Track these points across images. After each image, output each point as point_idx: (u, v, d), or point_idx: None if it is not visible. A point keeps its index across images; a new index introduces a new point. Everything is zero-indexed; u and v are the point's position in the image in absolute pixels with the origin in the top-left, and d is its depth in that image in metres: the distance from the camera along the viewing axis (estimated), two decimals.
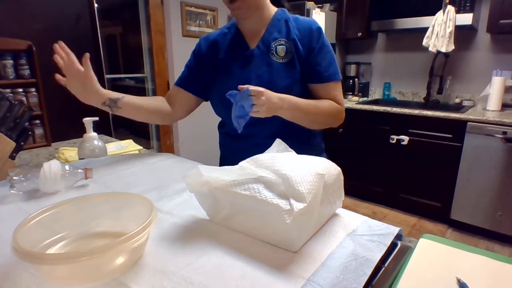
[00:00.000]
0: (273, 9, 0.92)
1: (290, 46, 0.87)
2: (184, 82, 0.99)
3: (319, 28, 0.88)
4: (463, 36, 2.44)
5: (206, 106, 1.06)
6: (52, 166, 0.70)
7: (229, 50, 0.93)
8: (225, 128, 1.01)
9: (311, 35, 0.87)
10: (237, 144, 0.97)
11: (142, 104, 0.93)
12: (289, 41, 0.87)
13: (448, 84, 2.63)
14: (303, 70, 0.88)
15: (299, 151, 0.64)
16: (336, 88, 0.91)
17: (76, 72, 0.83)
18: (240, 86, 0.73)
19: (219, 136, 1.06)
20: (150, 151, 1.10)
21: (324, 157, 0.99)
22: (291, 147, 0.65)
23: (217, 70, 0.94)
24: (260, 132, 0.90)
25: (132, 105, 0.91)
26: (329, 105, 0.89)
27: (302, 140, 0.93)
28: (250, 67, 0.90)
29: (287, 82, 0.86)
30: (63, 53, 0.83)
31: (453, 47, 2.26)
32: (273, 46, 0.88)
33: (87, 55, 0.82)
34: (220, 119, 1.03)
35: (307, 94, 0.91)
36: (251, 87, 0.72)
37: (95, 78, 0.85)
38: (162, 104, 0.98)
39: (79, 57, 0.83)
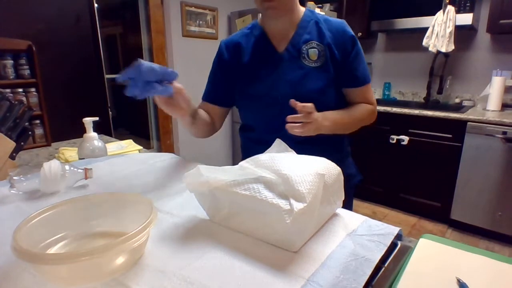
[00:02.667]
0: (302, 10, 0.88)
1: (323, 49, 0.84)
2: (211, 96, 0.96)
3: (348, 28, 0.86)
4: (463, 36, 2.44)
5: None
6: (52, 166, 0.70)
7: (254, 53, 0.89)
8: (248, 132, 0.98)
9: (345, 38, 0.85)
10: (261, 149, 0.89)
11: (206, 120, 0.93)
12: (322, 45, 0.84)
13: (448, 84, 2.63)
14: (339, 74, 0.85)
15: (326, 155, 0.62)
16: (369, 90, 0.92)
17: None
18: (293, 102, 0.71)
19: (242, 140, 1.03)
20: (150, 151, 1.10)
21: (349, 161, 1.01)
22: (318, 152, 0.64)
23: (242, 74, 0.90)
24: (287, 138, 0.79)
25: (203, 121, 0.91)
26: (363, 109, 0.90)
27: (330, 144, 0.91)
28: (279, 71, 0.86)
29: (320, 86, 0.84)
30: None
31: (453, 47, 2.26)
32: (304, 49, 0.84)
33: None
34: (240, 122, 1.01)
35: (339, 97, 0.90)
36: (300, 105, 0.71)
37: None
38: (208, 118, 0.95)
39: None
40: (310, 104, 0.74)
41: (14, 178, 0.69)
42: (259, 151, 0.81)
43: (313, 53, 0.84)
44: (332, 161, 0.66)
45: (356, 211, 0.66)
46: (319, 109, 0.78)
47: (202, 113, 0.91)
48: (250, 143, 0.99)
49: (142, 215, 0.48)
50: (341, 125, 0.86)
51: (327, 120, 0.80)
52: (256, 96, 0.89)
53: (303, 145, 0.71)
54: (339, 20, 0.88)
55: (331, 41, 0.84)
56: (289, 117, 0.73)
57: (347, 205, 0.81)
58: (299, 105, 0.72)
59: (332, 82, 0.85)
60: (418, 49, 2.57)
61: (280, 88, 0.85)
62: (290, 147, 0.66)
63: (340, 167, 0.63)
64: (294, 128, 0.73)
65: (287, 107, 0.75)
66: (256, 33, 0.90)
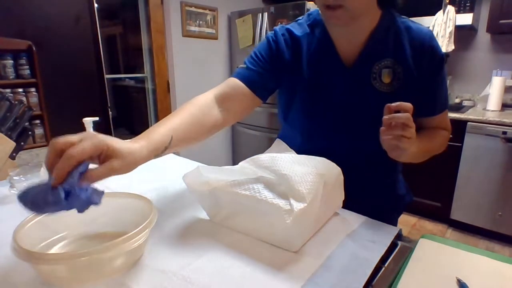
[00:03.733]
0: (379, 13, 0.68)
1: (400, 71, 0.67)
2: (252, 80, 0.72)
3: (438, 46, 0.68)
4: (463, 36, 2.44)
5: None
6: None
7: (315, 59, 0.71)
8: (298, 148, 0.73)
9: (432, 56, 0.67)
10: None
11: (190, 136, 0.62)
12: (400, 66, 0.67)
13: (448, 84, 2.63)
14: (415, 101, 0.59)
15: (381, 178, 0.59)
16: (446, 114, 0.78)
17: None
18: (392, 106, 0.54)
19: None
20: None
21: (400, 179, 0.85)
22: (371, 175, 0.60)
23: (299, 79, 0.73)
24: (340, 163, 0.64)
25: (180, 143, 0.60)
26: (441, 136, 0.77)
27: (384, 165, 0.76)
28: (346, 88, 0.70)
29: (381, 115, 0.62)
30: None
31: (453, 47, 2.26)
32: (377, 68, 0.68)
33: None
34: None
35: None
36: (403, 108, 0.54)
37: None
38: (210, 120, 0.67)
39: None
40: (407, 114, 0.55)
41: (14, 178, 0.69)
42: None
43: (387, 74, 0.67)
44: (385, 183, 0.61)
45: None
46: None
47: (184, 133, 0.61)
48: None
49: (142, 215, 0.48)
50: (422, 152, 0.67)
51: (414, 146, 0.60)
52: (316, 111, 0.74)
53: (357, 169, 0.63)
54: (425, 30, 0.68)
55: (411, 60, 0.67)
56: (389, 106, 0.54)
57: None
58: (402, 111, 0.54)
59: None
60: None
61: (346, 109, 0.70)
62: (344, 172, 0.58)
63: (392, 188, 0.57)
64: (388, 136, 0.56)
65: (352, 132, 0.68)
66: (318, 35, 0.71)
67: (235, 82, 0.72)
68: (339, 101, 0.71)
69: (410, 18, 0.75)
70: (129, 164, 0.49)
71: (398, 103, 0.54)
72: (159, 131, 0.57)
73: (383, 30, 0.68)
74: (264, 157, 0.56)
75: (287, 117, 0.81)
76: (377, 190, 0.75)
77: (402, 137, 0.55)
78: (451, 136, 0.81)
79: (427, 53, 0.66)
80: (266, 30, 2.71)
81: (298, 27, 0.74)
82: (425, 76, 0.67)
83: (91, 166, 0.45)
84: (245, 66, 0.75)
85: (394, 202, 0.84)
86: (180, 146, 0.60)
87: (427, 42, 0.67)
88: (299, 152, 0.68)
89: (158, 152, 0.56)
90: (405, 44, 0.67)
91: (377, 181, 0.63)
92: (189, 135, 0.62)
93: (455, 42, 2.26)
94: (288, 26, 0.75)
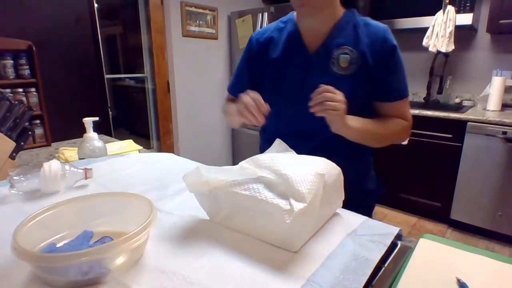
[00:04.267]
0: (342, 10, 0.80)
1: (356, 57, 0.76)
2: (236, 89, 0.89)
3: (392, 39, 0.77)
4: (463, 36, 2.44)
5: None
6: (52, 166, 0.70)
7: (285, 51, 0.83)
8: (267, 135, 0.92)
9: (384, 47, 0.76)
10: None
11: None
12: (356, 52, 0.76)
13: (448, 84, 2.63)
14: (370, 86, 0.77)
15: (348, 167, 0.60)
16: (405, 105, 0.82)
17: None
18: (323, 87, 0.67)
19: (261, 142, 0.98)
20: (150, 151, 1.10)
21: (371, 175, 0.94)
22: (338, 163, 0.60)
23: (269, 70, 0.86)
24: (307, 144, 0.78)
25: None
26: (396, 123, 0.81)
27: (351, 156, 0.81)
28: (306, 74, 0.81)
29: (346, 96, 0.72)
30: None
31: (453, 47, 2.26)
32: (336, 54, 0.77)
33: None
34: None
35: (368, 110, 0.82)
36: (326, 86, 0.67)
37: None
38: None
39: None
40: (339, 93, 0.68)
41: (14, 178, 0.69)
42: None
43: (344, 59, 0.77)
44: (354, 174, 0.64)
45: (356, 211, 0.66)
46: None
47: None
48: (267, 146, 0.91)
49: (142, 215, 0.48)
50: (369, 133, 0.77)
51: (355, 121, 0.73)
52: (282, 97, 0.84)
53: (323, 154, 0.66)
54: (381, 25, 0.79)
55: (366, 48, 0.76)
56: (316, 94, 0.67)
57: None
58: (326, 88, 0.67)
59: (360, 94, 0.78)
60: (418, 49, 2.57)
61: (305, 92, 0.76)
62: (313, 154, 0.63)
63: (361, 181, 0.61)
64: (316, 106, 0.68)
65: (310, 113, 0.71)
66: (290, 28, 0.84)
67: (229, 96, 0.95)
68: (301, 84, 0.81)
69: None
70: None
71: (325, 86, 0.67)
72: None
73: (344, 24, 0.79)
74: (264, 157, 0.56)
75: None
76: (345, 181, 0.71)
77: (328, 109, 0.67)
78: (412, 130, 0.86)
79: (379, 42, 0.76)
80: None
81: (272, 26, 0.88)
82: (379, 62, 0.76)
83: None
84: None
85: (363, 196, 0.88)
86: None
87: (381, 34, 0.77)
88: (273, 135, 0.78)
89: None
90: (362, 35, 0.77)
91: (346, 170, 0.63)
92: None
93: (455, 42, 2.26)
94: (263, 29, 0.90)
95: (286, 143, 0.67)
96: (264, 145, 0.94)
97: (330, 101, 0.67)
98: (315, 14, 0.77)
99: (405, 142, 0.86)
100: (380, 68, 0.76)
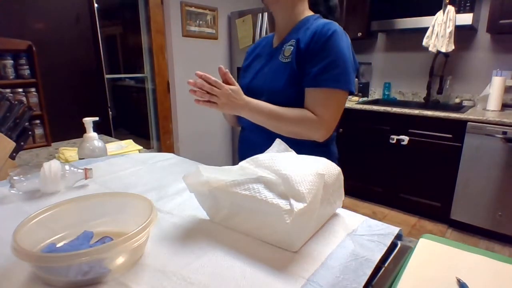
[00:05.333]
0: (307, 13, 0.90)
1: (295, 45, 0.84)
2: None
3: (328, 30, 0.79)
4: (463, 36, 2.44)
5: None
6: (52, 166, 0.70)
7: (260, 49, 0.99)
8: (240, 131, 1.06)
9: (315, 34, 0.80)
10: (244, 148, 1.01)
11: None
12: (296, 42, 0.84)
13: (448, 84, 2.63)
14: (300, 72, 0.83)
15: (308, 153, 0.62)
16: (323, 96, 0.80)
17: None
18: (198, 73, 0.75)
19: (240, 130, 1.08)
20: (150, 151, 1.10)
21: (331, 150, 0.96)
22: (299, 152, 0.63)
23: (248, 64, 1.01)
24: (265, 133, 0.85)
25: None
26: (299, 114, 0.81)
27: (313, 146, 0.85)
28: (263, 64, 0.93)
29: (281, 83, 0.84)
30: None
31: (453, 47, 2.26)
32: (285, 46, 0.87)
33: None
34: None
35: (301, 98, 0.85)
36: (212, 79, 0.75)
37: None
38: None
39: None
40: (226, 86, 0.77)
41: (14, 178, 0.69)
42: (243, 151, 0.88)
43: (288, 49, 0.85)
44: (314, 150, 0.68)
45: (356, 211, 0.66)
46: (280, 106, 0.83)
47: None
48: (242, 133, 1.04)
49: (142, 215, 0.48)
50: (265, 117, 0.82)
51: (249, 105, 0.81)
52: (242, 87, 0.86)
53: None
54: (330, 21, 0.83)
55: (302, 36, 0.83)
56: (190, 82, 0.75)
57: None
58: (211, 79, 0.75)
59: (292, 80, 0.83)
60: (418, 49, 2.57)
61: (256, 81, 0.92)
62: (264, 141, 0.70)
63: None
64: (195, 95, 0.77)
65: (262, 100, 0.83)
66: (272, 35, 0.99)
67: None
68: (257, 71, 0.93)
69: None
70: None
71: (206, 76, 0.75)
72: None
73: (302, 25, 0.87)
74: (264, 157, 0.56)
75: None
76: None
77: (206, 101, 0.78)
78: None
79: (313, 31, 0.81)
80: (266, 30, 2.71)
81: (265, 36, 1.03)
82: (308, 47, 0.81)
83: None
84: None
85: None
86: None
87: (319, 26, 0.81)
88: (248, 140, 0.98)
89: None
90: (305, 29, 0.84)
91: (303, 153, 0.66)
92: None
93: (455, 42, 2.26)
94: (249, 47, 1.06)
95: (251, 138, 0.80)
96: (241, 140, 1.05)
97: (210, 93, 0.76)
98: (272, 5, 0.88)
99: (320, 139, 0.84)
100: (308, 52, 0.81)
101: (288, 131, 0.84)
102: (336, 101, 0.81)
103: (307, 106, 0.83)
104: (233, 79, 0.79)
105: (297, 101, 0.84)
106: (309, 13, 0.90)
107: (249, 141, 0.98)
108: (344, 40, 0.81)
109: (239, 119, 0.99)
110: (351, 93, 0.83)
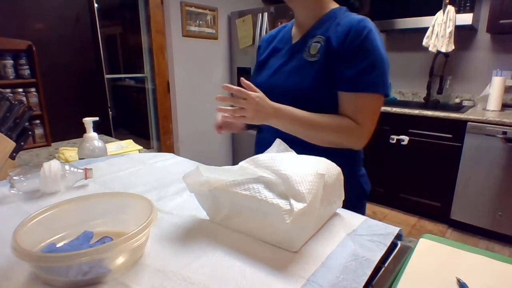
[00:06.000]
0: (332, 6, 0.81)
1: (323, 44, 0.76)
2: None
3: (364, 27, 0.72)
4: (463, 36, 2.44)
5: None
6: (52, 166, 0.70)
7: (277, 43, 0.90)
8: (258, 132, 0.99)
9: (350, 32, 0.72)
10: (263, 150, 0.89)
11: None
12: (325, 40, 0.76)
13: (448, 84, 2.63)
14: (332, 72, 0.75)
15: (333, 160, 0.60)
16: (363, 102, 0.74)
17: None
18: (226, 86, 0.69)
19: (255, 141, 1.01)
20: (150, 151, 1.10)
21: (360, 172, 0.91)
22: (323, 156, 0.60)
23: (261, 60, 0.93)
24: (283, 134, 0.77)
25: None
26: (338, 121, 0.75)
27: (333, 151, 0.78)
28: (283, 62, 0.84)
29: (307, 83, 0.76)
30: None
31: (453, 47, 2.26)
32: (310, 43, 0.79)
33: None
34: None
35: (333, 103, 0.78)
36: (236, 88, 0.68)
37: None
38: None
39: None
40: (253, 93, 0.70)
41: (14, 178, 0.69)
42: (263, 142, 0.78)
43: (314, 47, 0.77)
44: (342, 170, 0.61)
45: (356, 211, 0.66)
46: (309, 111, 0.75)
47: None
48: (259, 133, 0.98)
49: (142, 215, 0.48)
50: (300, 125, 0.75)
51: (280, 113, 0.73)
52: (258, 85, 0.82)
53: (302, 145, 0.70)
54: (360, 16, 0.75)
55: (335, 34, 0.74)
56: (218, 98, 0.70)
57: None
58: (234, 88, 0.68)
59: (321, 81, 0.75)
60: (418, 49, 2.57)
61: (276, 80, 0.83)
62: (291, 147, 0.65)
63: (346, 177, 0.59)
64: (223, 112, 0.71)
65: (284, 102, 0.74)
66: (289, 25, 0.90)
67: None
68: (276, 69, 0.85)
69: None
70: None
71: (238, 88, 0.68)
72: None
73: (328, 18, 0.79)
74: (264, 157, 0.57)
75: None
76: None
77: (235, 117, 0.70)
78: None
79: (347, 29, 0.73)
80: (266, 30, 2.71)
81: (281, 27, 0.94)
82: (342, 46, 0.73)
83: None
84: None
85: (349, 193, 0.85)
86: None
87: (351, 22, 0.73)
88: (265, 140, 0.84)
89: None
90: (335, 25, 0.76)
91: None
92: None
93: (455, 42, 2.26)
94: (265, 36, 0.98)
95: (268, 138, 0.70)
96: (258, 143, 0.98)
97: (237, 105, 0.70)
98: (296, 2, 0.81)
99: (358, 148, 0.81)
100: (342, 52, 0.73)
101: (326, 140, 0.77)
102: (376, 106, 0.76)
103: (345, 112, 0.76)
104: (256, 88, 0.72)
105: (324, 104, 0.77)
106: (334, 4, 0.82)
107: (269, 144, 0.85)
108: (379, 39, 0.74)
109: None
110: (387, 97, 0.77)
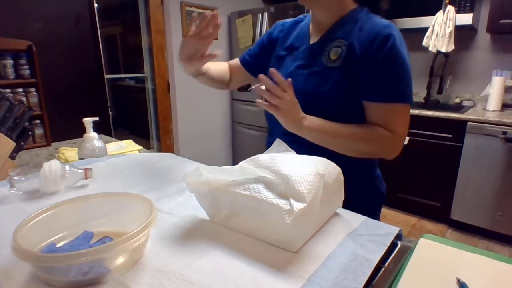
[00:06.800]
0: (351, 6, 0.78)
1: (345, 49, 0.73)
2: (247, 62, 1.00)
3: (390, 36, 0.69)
4: (463, 36, 2.44)
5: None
6: (52, 166, 0.70)
7: (294, 40, 0.86)
8: (268, 123, 0.95)
9: (375, 40, 0.70)
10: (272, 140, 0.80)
11: (214, 77, 0.99)
12: (346, 45, 0.73)
13: (448, 84, 2.63)
14: (356, 81, 0.72)
15: (344, 165, 0.59)
16: (395, 112, 0.73)
17: (208, 35, 0.79)
18: (261, 77, 0.66)
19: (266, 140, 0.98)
20: (150, 151, 1.10)
21: (375, 175, 0.88)
22: (334, 161, 0.59)
23: (274, 56, 0.91)
24: (294, 137, 0.74)
25: (210, 78, 0.98)
26: (371, 130, 0.73)
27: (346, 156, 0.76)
28: (301, 64, 0.81)
29: (327, 89, 0.73)
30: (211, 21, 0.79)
31: (453, 47, 2.26)
32: (329, 46, 0.76)
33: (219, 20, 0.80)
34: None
35: (354, 111, 0.76)
36: (280, 79, 0.66)
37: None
38: (225, 75, 1.04)
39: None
40: (287, 84, 0.67)
41: (14, 178, 0.69)
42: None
43: (335, 52, 0.74)
44: (355, 173, 0.61)
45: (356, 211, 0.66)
46: (324, 117, 0.73)
47: (214, 72, 0.98)
48: (269, 135, 0.95)
49: (142, 215, 0.48)
50: (330, 136, 0.72)
51: (311, 121, 0.71)
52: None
53: (317, 148, 0.67)
54: (384, 21, 0.73)
55: (358, 41, 0.72)
56: (255, 87, 0.68)
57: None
58: (270, 84, 0.66)
59: (343, 87, 0.73)
60: (418, 49, 2.57)
61: (294, 79, 0.75)
62: (296, 149, 0.64)
63: (362, 181, 0.59)
64: (261, 101, 0.68)
65: (301, 105, 0.71)
66: (306, 21, 0.87)
67: (236, 59, 1.05)
68: (292, 70, 0.82)
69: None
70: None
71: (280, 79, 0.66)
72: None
73: (347, 20, 0.77)
74: (264, 157, 0.57)
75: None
76: (351, 180, 0.66)
77: (270, 105, 0.67)
78: (412, 130, 0.83)
79: (373, 35, 0.70)
80: (266, 30, 2.71)
81: (295, 18, 0.93)
82: (367, 55, 0.70)
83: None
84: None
85: (373, 196, 0.84)
86: (205, 80, 0.98)
87: (376, 29, 0.71)
88: (268, 123, 0.92)
89: (202, 69, 0.94)
90: (358, 29, 0.73)
91: (345, 169, 0.62)
92: (213, 78, 0.99)
93: (455, 42, 2.26)
94: (285, 20, 0.95)
95: (277, 136, 0.68)
96: (268, 145, 0.93)
97: (278, 96, 0.67)
98: (313, 7, 0.79)
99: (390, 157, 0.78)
100: (368, 61, 0.71)
101: (360, 150, 0.75)
102: (406, 115, 0.75)
103: (376, 121, 0.74)
104: (287, 83, 0.69)
105: (341, 110, 0.75)
106: (354, 4, 0.79)
107: None
108: (404, 46, 0.72)
109: (267, 116, 0.87)
110: (411, 105, 0.75)
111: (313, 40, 0.82)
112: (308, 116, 0.72)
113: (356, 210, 0.64)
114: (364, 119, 0.76)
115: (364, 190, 0.61)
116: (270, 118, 0.80)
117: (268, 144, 0.95)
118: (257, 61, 0.97)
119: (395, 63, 0.70)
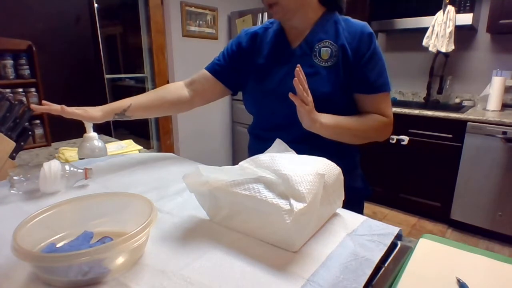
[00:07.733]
0: (321, 10, 0.85)
1: (337, 50, 0.80)
2: (218, 71, 0.94)
3: (371, 34, 0.79)
4: (463, 36, 2.44)
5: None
6: (52, 166, 0.70)
7: (270, 47, 0.88)
8: (254, 129, 0.97)
9: (362, 40, 0.79)
10: (265, 148, 0.79)
11: (150, 105, 0.91)
12: (336, 45, 0.80)
13: (448, 84, 2.63)
14: (350, 78, 0.80)
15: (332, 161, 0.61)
16: (385, 100, 0.83)
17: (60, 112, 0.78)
18: (292, 95, 0.69)
19: (249, 138, 1.01)
20: (150, 151, 1.10)
21: (357, 173, 0.94)
22: (321, 155, 0.62)
23: (254, 66, 0.89)
24: (287, 137, 0.75)
25: (140, 109, 0.89)
26: (375, 119, 0.82)
27: (334, 150, 0.81)
28: (289, 67, 0.83)
29: (328, 88, 0.79)
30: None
31: (453, 47, 2.26)
32: (317, 47, 0.81)
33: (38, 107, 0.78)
34: (251, 120, 0.99)
35: (349, 103, 0.85)
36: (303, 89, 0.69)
37: (73, 109, 0.79)
38: (173, 96, 0.93)
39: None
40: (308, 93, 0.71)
41: (14, 178, 0.69)
42: (261, 150, 0.74)
43: (325, 52, 0.80)
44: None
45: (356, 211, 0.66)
46: (325, 112, 0.77)
47: (145, 101, 0.91)
48: (255, 141, 0.97)
49: (142, 215, 0.48)
50: (344, 129, 0.79)
51: (327, 118, 0.76)
52: (265, 91, 0.87)
53: (304, 147, 0.70)
54: (360, 22, 0.82)
55: (346, 41, 0.79)
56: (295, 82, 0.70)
57: None
58: (299, 87, 0.69)
59: (341, 85, 0.80)
60: (418, 49, 2.57)
61: (288, 84, 0.78)
62: (292, 147, 0.65)
63: (347, 178, 0.62)
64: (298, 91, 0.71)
65: (290, 105, 0.73)
66: (275, 27, 0.89)
67: (203, 71, 0.98)
68: (284, 76, 0.84)
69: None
70: (87, 117, 0.81)
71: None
72: (120, 100, 0.88)
73: (325, 21, 0.83)
74: (264, 157, 0.57)
75: (246, 102, 0.95)
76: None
77: (300, 100, 0.70)
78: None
79: (358, 36, 0.79)
80: None
81: (260, 26, 0.93)
82: (357, 55, 0.79)
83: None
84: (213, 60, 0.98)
85: (350, 194, 0.85)
86: (139, 112, 0.89)
87: (359, 28, 0.80)
88: (254, 130, 0.95)
89: (117, 111, 0.86)
90: (342, 30, 0.81)
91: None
92: (149, 104, 0.91)
93: (455, 42, 2.26)
94: (248, 28, 0.94)
95: (272, 137, 0.69)
96: (251, 142, 1.00)
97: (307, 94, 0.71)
98: (290, 19, 0.81)
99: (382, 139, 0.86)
100: (359, 60, 0.79)
101: (368, 137, 0.84)
102: (390, 101, 0.86)
103: (370, 110, 0.83)
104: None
105: (344, 108, 0.82)
106: (322, 8, 0.85)
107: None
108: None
109: (254, 125, 0.95)
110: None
111: (294, 43, 0.85)
112: (321, 114, 0.76)
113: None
114: (350, 109, 0.85)
115: (347, 189, 0.63)
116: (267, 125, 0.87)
117: (252, 147, 0.98)
118: (230, 70, 0.94)
119: (378, 57, 0.81)
